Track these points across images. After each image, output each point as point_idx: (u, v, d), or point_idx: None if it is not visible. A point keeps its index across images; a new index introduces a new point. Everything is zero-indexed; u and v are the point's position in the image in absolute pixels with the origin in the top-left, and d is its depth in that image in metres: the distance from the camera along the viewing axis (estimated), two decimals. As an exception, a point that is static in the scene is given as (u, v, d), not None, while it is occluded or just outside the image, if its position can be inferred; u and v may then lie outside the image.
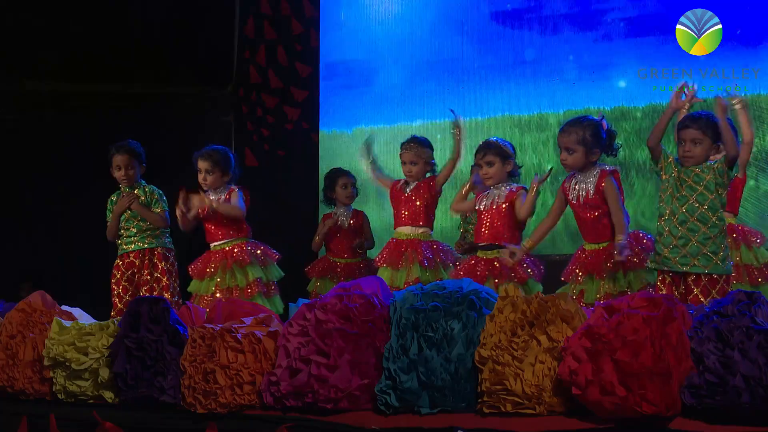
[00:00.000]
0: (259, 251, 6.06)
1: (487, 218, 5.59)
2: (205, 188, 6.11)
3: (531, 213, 5.53)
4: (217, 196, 6.09)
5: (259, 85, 9.33)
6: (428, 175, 6.26)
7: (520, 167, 5.78)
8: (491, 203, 5.59)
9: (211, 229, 6.12)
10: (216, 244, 6.09)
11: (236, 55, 9.36)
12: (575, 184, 5.12)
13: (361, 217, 7.00)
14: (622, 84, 7.89)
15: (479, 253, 5.57)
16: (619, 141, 5.21)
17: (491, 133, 8.23)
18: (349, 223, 6.93)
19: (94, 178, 8.69)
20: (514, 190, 5.56)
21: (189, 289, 6.14)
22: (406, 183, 6.24)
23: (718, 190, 4.67)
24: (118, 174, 6.41)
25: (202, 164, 6.11)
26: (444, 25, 8.69)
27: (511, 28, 8.37)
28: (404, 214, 6.18)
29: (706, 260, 4.62)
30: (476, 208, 5.69)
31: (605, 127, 5.12)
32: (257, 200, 6.35)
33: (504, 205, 5.54)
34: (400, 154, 6.26)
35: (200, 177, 6.12)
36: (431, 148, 6.30)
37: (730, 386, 3.27)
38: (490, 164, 5.60)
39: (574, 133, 5.05)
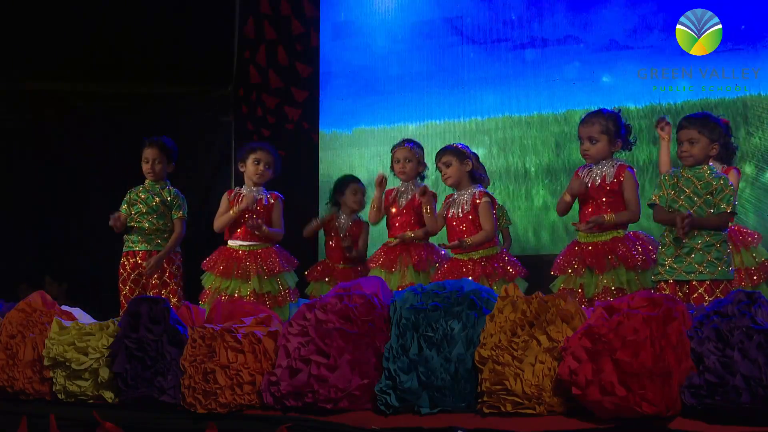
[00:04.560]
0: (285, 260, 6.07)
1: (458, 226, 5.65)
2: (258, 180, 6.08)
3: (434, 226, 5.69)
4: (260, 196, 6.08)
5: (259, 85, 9.33)
6: (420, 181, 6.25)
7: (483, 173, 5.86)
8: (460, 210, 5.63)
9: (244, 225, 6.05)
10: (243, 244, 6.03)
11: (236, 55, 9.36)
12: (589, 172, 5.15)
13: (361, 227, 6.94)
14: (622, 84, 7.88)
15: (461, 256, 5.60)
16: (633, 136, 5.27)
17: (491, 133, 8.26)
18: (347, 232, 6.89)
19: (95, 177, 8.73)
20: (477, 195, 5.61)
21: (204, 282, 6.07)
22: (398, 194, 6.23)
23: (716, 198, 4.68)
24: (145, 167, 6.39)
25: (264, 156, 6.09)
26: (444, 25, 8.69)
27: (512, 27, 8.37)
28: (397, 225, 6.19)
29: (712, 267, 4.63)
30: (445, 216, 5.74)
31: (623, 120, 5.19)
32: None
33: (471, 210, 5.60)
34: (394, 152, 6.25)
35: (259, 167, 6.06)
36: (423, 149, 6.31)
37: (730, 386, 3.27)
38: (447, 164, 5.69)
39: (598, 123, 5.11)
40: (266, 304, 5.80)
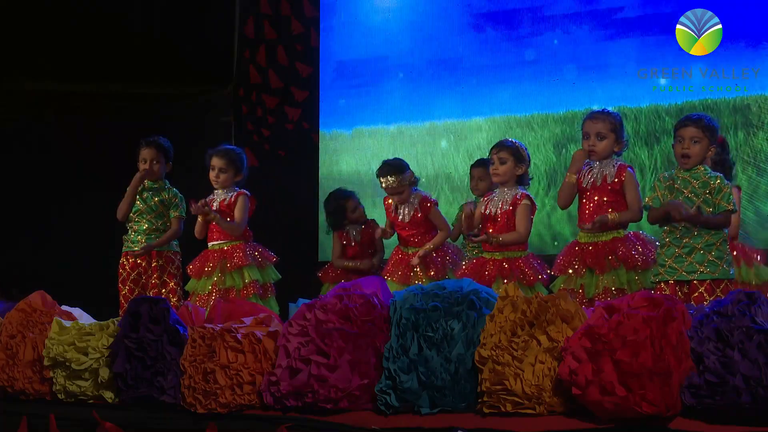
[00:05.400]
0: (256, 253, 6.07)
1: (492, 224, 5.52)
2: (216, 186, 6.12)
3: (525, 231, 5.48)
4: (223, 197, 6.10)
5: (259, 85, 9.33)
6: (417, 192, 6.22)
7: (531, 178, 5.74)
8: (497, 208, 5.52)
9: (212, 227, 6.12)
10: (214, 243, 6.09)
11: (236, 55, 9.36)
12: (590, 170, 5.15)
13: (371, 226, 6.92)
14: (622, 84, 7.88)
15: (486, 254, 5.53)
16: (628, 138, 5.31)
17: (491, 133, 8.25)
18: (361, 239, 6.89)
19: (94, 177, 8.72)
20: (519, 196, 5.49)
21: (187, 287, 6.17)
22: (399, 206, 6.20)
23: (714, 198, 4.69)
24: (142, 167, 6.41)
25: (216, 162, 6.11)
26: (444, 25, 8.69)
27: (512, 27, 8.37)
28: (404, 236, 6.20)
29: (713, 267, 4.64)
30: (482, 212, 5.61)
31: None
32: (257, 200, 6.35)
33: (509, 209, 5.48)
34: (381, 186, 6.18)
35: (212, 174, 6.11)
36: (407, 166, 6.21)
37: (730, 386, 3.27)
38: (502, 161, 5.51)
39: (608, 121, 5.13)
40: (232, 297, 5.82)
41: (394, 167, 6.17)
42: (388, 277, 6.07)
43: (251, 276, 5.97)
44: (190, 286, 6.12)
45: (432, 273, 5.97)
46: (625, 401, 3.34)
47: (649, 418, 3.35)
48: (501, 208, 5.47)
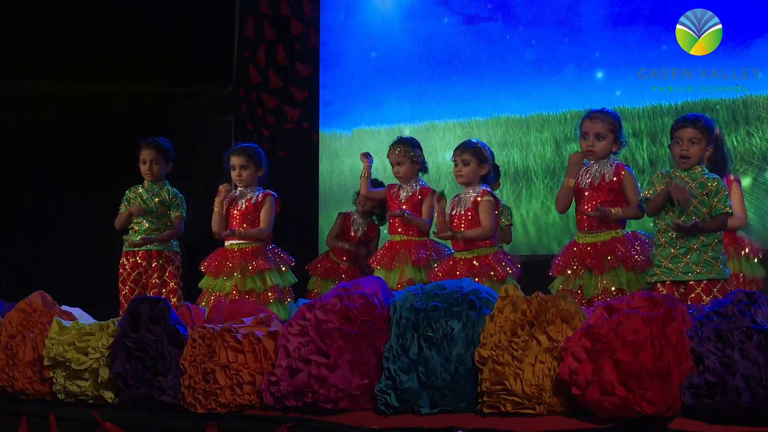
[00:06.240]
0: (278, 258, 6.03)
1: (458, 223, 5.61)
2: (239, 185, 6.06)
3: (490, 228, 5.54)
4: (249, 196, 6.05)
5: (259, 85, 9.33)
6: (421, 176, 6.27)
7: (496, 177, 5.84)
8: (462, 207, 5.61)
9: (231, 221, 6.03)
10: (234, 242, 5.98)
11: (236, 55, 9.36)
12: (588, 170, 5.15)
13: (376, 230, 6.94)
14: (622, 84, 7.88)
15: (456, 254, 5.60)
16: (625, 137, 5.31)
17: (491, 134, 8.26)
18: (363, 233, 6.91)
19: (94, 177, 8.73)
20: (480, 194, 5.59)
21: (200, 284, 6.05)
22: (400, 188, 6.25)
23: (711, 200, 4.70)
24: (142, 168, 6.41)
25: (236, 160, 6.04)
26: (444, 25, 8.69)
27: (512, 28, 8.37)
28: (397, 224, 6.21)
29: (709, 267, 4.64)
30: (450, 212, 5.70)
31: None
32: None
33: (472, 207, 5.57)
34: (388, 155, 6.30)
35: (234, 174, 6.04)
36: (419, 147, 6.32)
37: (730, 386, 3.27)
38: (465, 163, 5.63)
39: (607, 121, 5.14)
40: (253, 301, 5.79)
41: (405, 140, 6.36)
42: (375, 264, 6.15)
43: (272, 280, 5.91)
44: (205, 283, 6.01)
45: (413, 259, 6.02)
46: (625, 401, 3.35)
47: (649, 418, 3.35)
48: (464, 207, 5.60)
